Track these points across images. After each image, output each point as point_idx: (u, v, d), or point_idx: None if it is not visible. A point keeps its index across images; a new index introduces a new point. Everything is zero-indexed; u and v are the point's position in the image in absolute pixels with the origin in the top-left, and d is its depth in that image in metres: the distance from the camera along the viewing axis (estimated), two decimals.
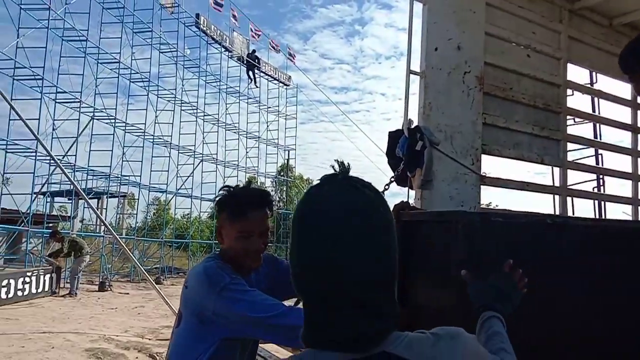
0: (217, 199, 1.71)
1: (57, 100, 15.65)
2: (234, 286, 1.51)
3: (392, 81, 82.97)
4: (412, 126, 2.65)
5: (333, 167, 0.87)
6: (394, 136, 2.74)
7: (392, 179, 2.56)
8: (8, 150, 13.81)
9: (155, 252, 21.15)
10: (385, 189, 2.42)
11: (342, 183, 0.85)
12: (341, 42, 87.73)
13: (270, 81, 26.63)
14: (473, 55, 2.85)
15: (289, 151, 28.21)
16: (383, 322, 0.81)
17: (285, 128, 27.50)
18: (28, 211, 14.70)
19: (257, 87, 25.08)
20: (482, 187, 2.84)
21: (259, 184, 29.40)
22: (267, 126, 26.41)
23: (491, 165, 3.06)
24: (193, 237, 23.20)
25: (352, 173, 0.87)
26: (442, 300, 1.66)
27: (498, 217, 1.79)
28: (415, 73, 2.79)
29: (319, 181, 0.87)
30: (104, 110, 17.05)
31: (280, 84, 27.24)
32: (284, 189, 31.16)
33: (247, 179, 25.59)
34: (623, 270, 1.68)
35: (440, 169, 2.65)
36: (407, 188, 2.67)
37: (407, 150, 2.61)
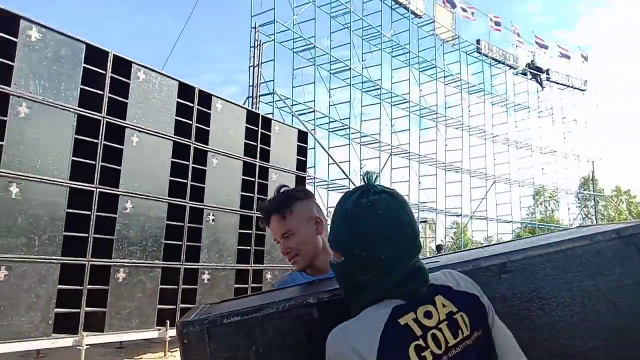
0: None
1: (362, 143, 18.41)
2: None
3: None
4: None
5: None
6: None
7: None
8: (329, 189, 16.95)
9: None
10: None
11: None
12: None
13: (562, 90, 24.79)
14: None
15: (593, 162, 25.37)
16: None
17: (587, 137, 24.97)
18: None
19: (543, 87, 23.72)
20: None
21: (557, 200, 27.04)
22: (564, 138, 24.50)
23: None
24: None
25: None
26: None
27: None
28: None
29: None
30: (399, 147, 19.11)
31: (575, 90, 25.01)
32: (590, 204, 27.98)
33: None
34: None
35: None
36: None
37: None
